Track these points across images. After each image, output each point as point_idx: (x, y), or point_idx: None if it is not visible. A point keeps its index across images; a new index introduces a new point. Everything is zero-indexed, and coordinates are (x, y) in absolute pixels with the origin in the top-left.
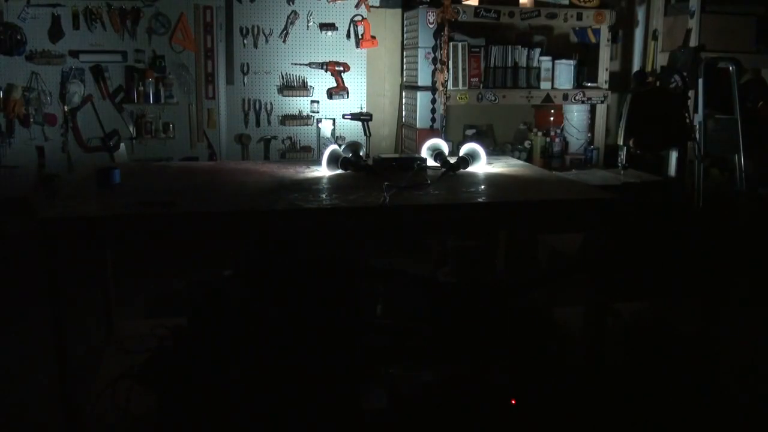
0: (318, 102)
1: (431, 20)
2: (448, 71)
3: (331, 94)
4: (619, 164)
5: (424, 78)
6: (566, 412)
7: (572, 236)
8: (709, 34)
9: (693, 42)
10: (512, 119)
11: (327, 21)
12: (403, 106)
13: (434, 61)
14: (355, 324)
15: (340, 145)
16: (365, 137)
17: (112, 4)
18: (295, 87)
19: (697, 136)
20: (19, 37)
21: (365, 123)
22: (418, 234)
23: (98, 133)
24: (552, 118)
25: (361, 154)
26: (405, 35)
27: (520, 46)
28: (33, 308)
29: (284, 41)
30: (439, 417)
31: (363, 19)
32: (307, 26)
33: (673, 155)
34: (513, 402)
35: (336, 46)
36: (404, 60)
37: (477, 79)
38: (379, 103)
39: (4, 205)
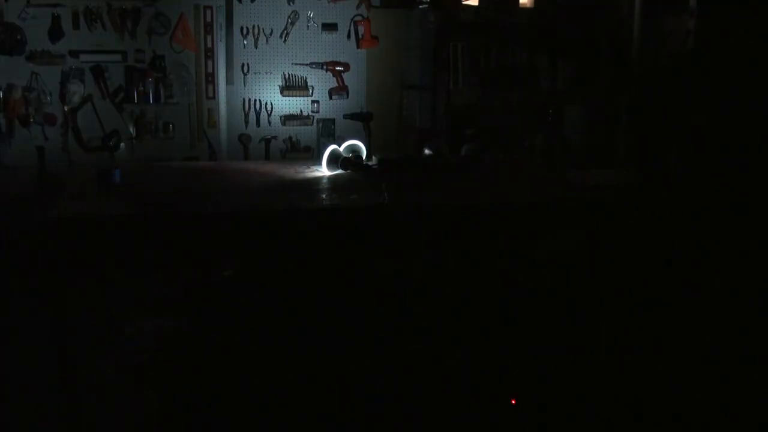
0: (318, 102)
1: (431, 20)
2: (448, 71)
3: (331, 94)
4: (618, 164)
5: (424, 78)
6: None
7: (572, 236)
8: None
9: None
10: (512, 119)
11: (328, 21)
12: (403, 106)
13: (434, 61)
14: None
15: (340, 145)
16: (365, 137)
17: (112, 4)
18: (295, 87)
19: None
20: (19, 37)
21: (365, 123)
22: (418, 234)
23: (98, 133)
24: (551, 118)
25: (361, 154)
26: (405, 35)
27: (520, 46)
28: (33, 308)
29: (285, 41)
30: None
31: (363, 19)
32: (308, 26)
33: (672, 155)
34: (513, 402)
35: (336, 46)
36: (404, 60)
37: (477, 79)
38: (379, 103)
39: (4, 205)
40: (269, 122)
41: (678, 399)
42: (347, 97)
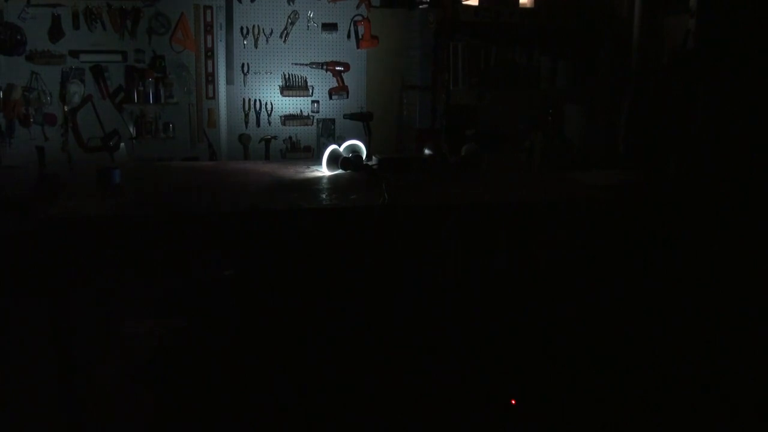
0: (318, 102)
1: (431, 20)
2: (448, 71)
3: (331, 94)
4: (619, 164)
5: (424, 78)
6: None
7: (572, 236)
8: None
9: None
10: (512, 119)
11: (328, 21)
12: (403, 106)
13: (434, 61)
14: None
15: (340, 145)
16: (365, 137)
17: (112, 4)
18: (295, 87)
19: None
20: (19, 37)
21: (365, 123)
22: (418, 234)
23: (98, 133)
24: (551, 118)
25: (361, 154)
26: (405, 35)
27: (520, 46)
28: (33, 308)
29: (284, 41)
30: None
31: (363, 19)
32: (308, 26)
33: (673, 155)
34: (513, 402)
35: (336, 46)
36: (404, 60)
37: (477, 79)
38: (379, 103)
39: (4, 205)
40: (269, 122)
41: (678, 398)
42: (347, 97)
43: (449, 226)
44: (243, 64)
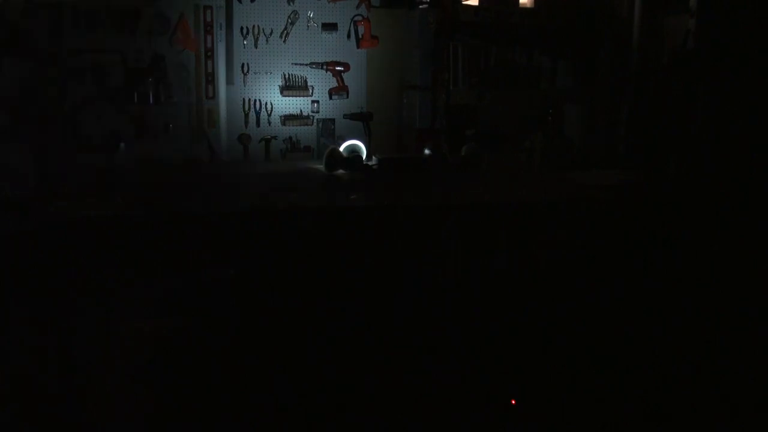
0: (318, 102)
1: (431, 20)
2: (448, 71)
3: (331, 94)
4: (619, 164)
5: (424, 78)
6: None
7: (572, 236)
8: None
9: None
10: (512, 119)
11: (327, 21)
12: (404, 106)
13: (434, 61)
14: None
15: (340, 145)
16: (365, 137)
17: (112, 4)
18: (295, 87)
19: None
20: (19, 37)
21: (365, 123)
22: (418, 234)
23: (98, 133)
24: (551, 118)
25: (361, 154)
26: (405, 35)
27: (520, 46)
28: (33, 308)
29: (284, 41)
30: None
31: (363, 19)
32: (308, 26)
33: (673, 155)
34: (513, 402)
35: (336, 46)
36: (404, 60)
37: (477, 79)
38: (379, 103)
39: (4, 205)
40: (269, 122)
41: (678, 398)
42: (347, 97)
43: (449, 226)
44: (243, 64)
